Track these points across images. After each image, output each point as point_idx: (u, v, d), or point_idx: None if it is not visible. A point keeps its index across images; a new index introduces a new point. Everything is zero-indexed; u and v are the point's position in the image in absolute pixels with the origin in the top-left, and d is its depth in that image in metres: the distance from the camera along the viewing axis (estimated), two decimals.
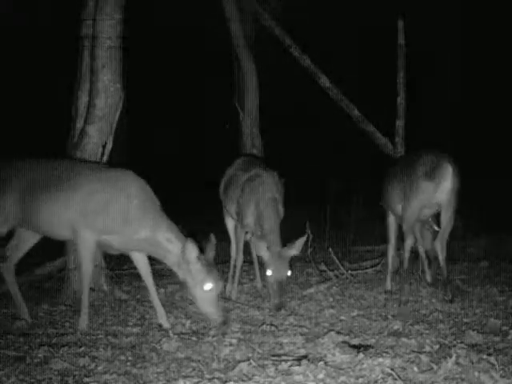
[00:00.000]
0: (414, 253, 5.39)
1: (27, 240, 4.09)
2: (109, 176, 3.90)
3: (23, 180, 3.86)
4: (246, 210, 4.50)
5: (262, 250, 4.27)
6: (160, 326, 3.89)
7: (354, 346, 3.33)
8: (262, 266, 4.46)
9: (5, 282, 4.07)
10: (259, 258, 4.59)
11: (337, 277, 5.21)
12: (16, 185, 3.85)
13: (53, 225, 3.87)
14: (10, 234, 4.05)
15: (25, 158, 4.05)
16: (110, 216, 3.78)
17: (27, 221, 3.90)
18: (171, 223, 3.87)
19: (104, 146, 4.50)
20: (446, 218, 4.41)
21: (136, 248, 3.93)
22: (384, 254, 5.65)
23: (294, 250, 4.32)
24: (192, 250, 3.71)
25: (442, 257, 4.45)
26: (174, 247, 3.79)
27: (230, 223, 5.19)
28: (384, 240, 5.48)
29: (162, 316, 3.94)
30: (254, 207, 4.45)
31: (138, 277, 5.26)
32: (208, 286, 3.72)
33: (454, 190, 4.33)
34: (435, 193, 4.31)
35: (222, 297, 4.64)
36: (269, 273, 4.24)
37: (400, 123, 5.65)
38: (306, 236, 4.42)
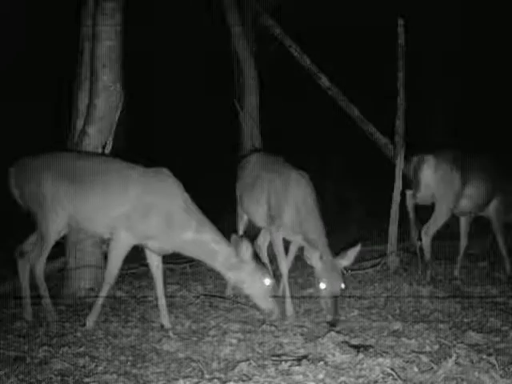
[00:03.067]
0: (414, 253, 5.41)
1: None
2: (151, 178, 3.85)
3: (59, 171, 3.86)
4: (282, 212, 4.18)
5: (314, 259, 3.92)
6: (162, 326, 3.89)
7: (354, 346, 3.33)
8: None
9: (18, 277, 4.03)
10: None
11: None
12: (52, 176, 3.83)
13: (94, 222, 3.87)
14: (29, 230, 4.03)
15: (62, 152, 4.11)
16: (154, 219, 3.74)
17: (72, 214, 3.87)
18: (212, 224, 3.86)
19: (104, 147, 4.50)
20: None
21: (180, 250, 3.90)
22: (384, 254, 5.66)
23: (347, 260, 4.00)
24: (248, 249, 3.70)
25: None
26: (221, 248, 3.77)
27: (243, 225, 4.95)
28: (384, 240, 5.48)
29: (165, 316, 3.93)
30: (293, 209, 4.14)
31: (138, 277, 5.29)
32: (268, 281, 3.76)
33: None
34: None
35: (222, 296, 4.65)
36: (322, 286, 3.90)
37: (400, 123, 5.64)
38: (359, 246, 4.04)
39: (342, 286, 3.98)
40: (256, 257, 3.88)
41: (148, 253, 4.00)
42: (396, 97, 5.68)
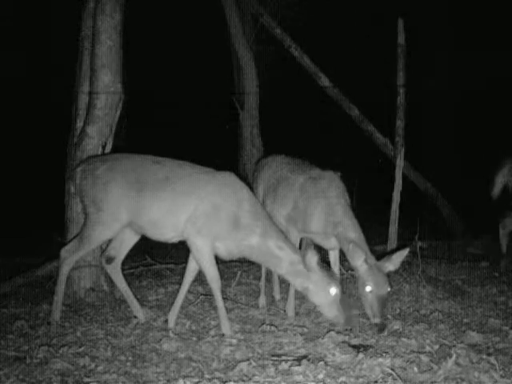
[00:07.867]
0: (414, 252, 5.40)
1: (129, 238, 4.03)
2: (218, 180, 3.80)
3: (128, 177, 3.76)
4: (311, 213, 4.03)
5: (358, 260, 3.74)
6: (166, 320, 3.91)
7: (354, 346, 3.34)
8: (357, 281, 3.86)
9: (113, 282, 4.04)
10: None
11: None
12: (120, 182, 3.74)
13: (161, 227, 3.79)
14: None
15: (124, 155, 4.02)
16: (222, 221, 3.69)
17: (133, 221, 3.79)
18: (279, 230, 3.82)
19: (104, 147, 4.49)
20: None
21: (247, 255, 3.84)
22: (384, 254, 5.65)
23: (392, 264, 3.81)
24: (313, 257, 3.61)
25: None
26: (286, 255, 3.71)
27: None
28: (383, 240, 5.48)
29: (174, 315, 3.92)
30: (322, 211, 3.99)
31: (138, 277, 5.29)
32: (333, 290, 3.65)
33: None
34: None
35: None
36: (368, 288, 3.73)
37: (400, 123, 5.64)
38: (406, 250, 3.86)
39: (389, 288, 3.79)
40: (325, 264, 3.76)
41: (192, 256, 3.91)
42: (396, 97, 5.68)
